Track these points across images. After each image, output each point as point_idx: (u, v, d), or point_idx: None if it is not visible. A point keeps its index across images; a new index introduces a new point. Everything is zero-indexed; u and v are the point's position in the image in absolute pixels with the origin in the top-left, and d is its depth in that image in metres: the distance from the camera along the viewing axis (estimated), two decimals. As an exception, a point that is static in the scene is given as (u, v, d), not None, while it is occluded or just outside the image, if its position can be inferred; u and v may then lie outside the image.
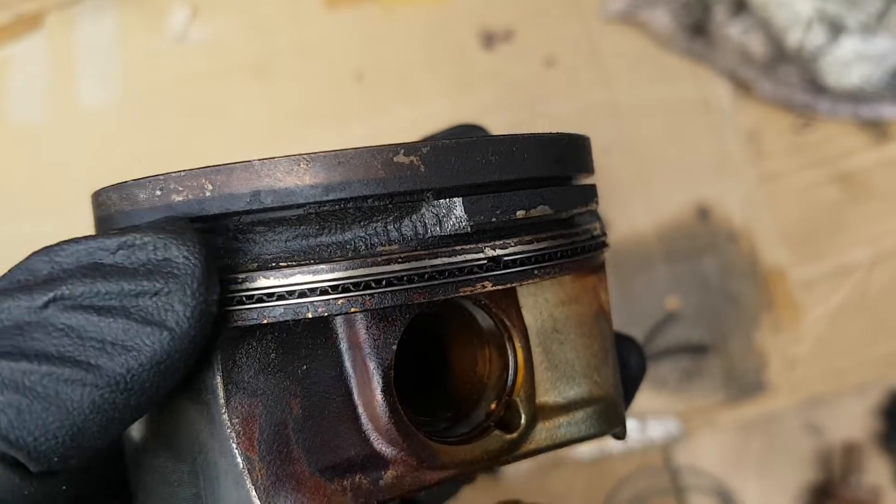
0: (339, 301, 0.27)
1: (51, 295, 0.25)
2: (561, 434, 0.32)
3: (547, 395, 0.32)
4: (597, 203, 0.33)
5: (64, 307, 0.25)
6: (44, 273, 0.25)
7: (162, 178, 0.28)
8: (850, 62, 0.77)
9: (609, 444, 0.73)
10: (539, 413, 0.31)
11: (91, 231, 0.32)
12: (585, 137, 0.33)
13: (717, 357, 0.74)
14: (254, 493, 0.26)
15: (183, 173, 0.27)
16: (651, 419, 0.74)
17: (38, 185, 0.73)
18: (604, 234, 0.33)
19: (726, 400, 0.74)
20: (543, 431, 0.31)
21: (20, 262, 0.26)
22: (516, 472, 0.71)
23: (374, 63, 0.76)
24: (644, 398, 0.74)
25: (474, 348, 0.32)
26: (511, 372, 0.31)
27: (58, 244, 0.26)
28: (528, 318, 0.32)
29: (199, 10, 0.75)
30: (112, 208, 0.30)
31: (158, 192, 0.28)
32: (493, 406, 0.31)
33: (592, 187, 0.33)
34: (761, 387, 0.74)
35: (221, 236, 0.28)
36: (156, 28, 0.75)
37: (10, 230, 0.72)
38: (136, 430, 0.31)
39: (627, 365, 0.37)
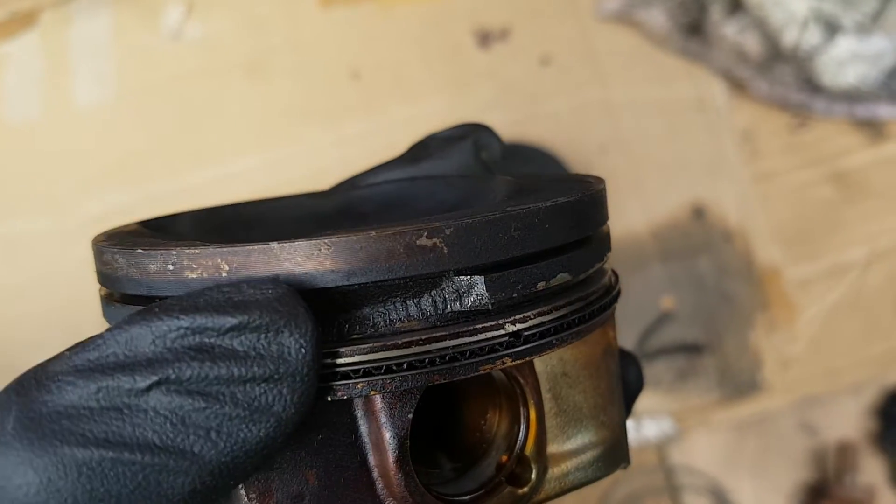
0: (360, 385, 0.26)
1: (155, 378, 0.23)
2: (569, 481, 0.31)
3: (555, 441, 0.31)
4: (610, 251, 0.32)
5: (168, 391, 0.23)
6: (146, 352, 0.24)
7: (174, 253, 0.27)
8: (845, 62, 0.77)
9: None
10: (548, 462, 0.31)
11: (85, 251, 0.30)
12: (603, 188, 0.33)
13: (712, 356, 0.74)
14: None
15: (197, 251, 0.27)
16: (646, 418, 0.74)
17: (33, 182, 0.73)
18: (617, 280, 0.33)
19: (721, 399, 0.74)
20: (553, 481, 0.31)
21: (114, 331, 0.24)
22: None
23: (369, 61, 0.76)
24: (639, 398, 0.74)
25: (484, 400, 0.32)
26: (523, 427, 0.30)
27: (158, 315, 0.24)
28: (538, 364, 0.31)
29: (195, 7, 0.75)
30: (119, 272, 0.29)
31: (171, 268, 0.27)
32: (503, 459, 0.31)
33: (607, 237, 0.32)
34: (756, 386, 0.74)
35: None
36: (151, 26, 0.75)
37: (5, 228, 0.72)
38: None
39: (626, 380, 0.37)
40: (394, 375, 0.26)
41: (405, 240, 0.26)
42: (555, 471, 0.31)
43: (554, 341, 0.29)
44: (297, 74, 0.75)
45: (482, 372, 0.28)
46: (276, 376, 0.24)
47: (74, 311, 0.71)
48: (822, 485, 0.74)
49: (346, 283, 0.26)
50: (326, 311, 0.27)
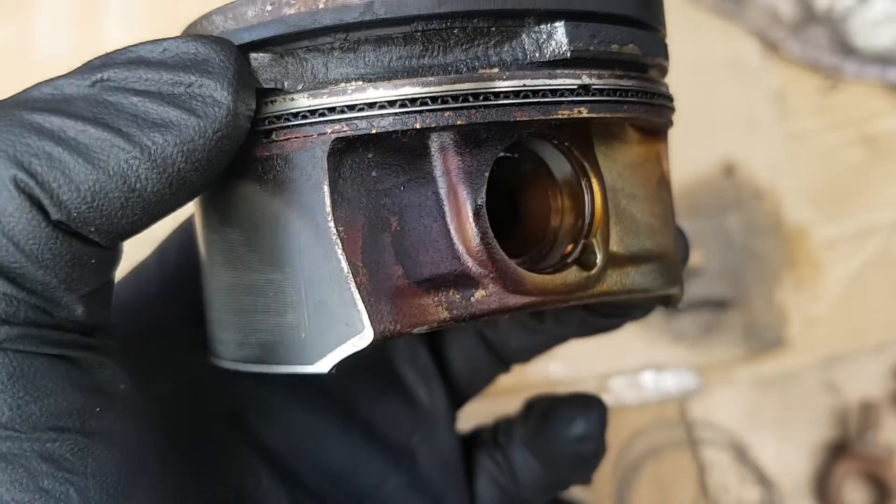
0: (446, 113, 0.27)
1: (98, 76, 0.28)
2: (630, 281, 0.32)
3: (615, 245, 0.32)
4: (668, 62, 0.34)
5: (107, 87, 0.27)
6: (96, 64, 0.28)
7: None
8: (880, 23, 0.77)
9: (624, 395, 0.73)
10: (610, 257, 0.32)
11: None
12: None
13: (738, 312, 0.75)
14: (357, 296, 0.27)
15: None
16: (668, 372, 0.74)
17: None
18: (672, 104, 0.34)
19: (745, 355, 0.74)
20: (615, 275, 0.32)
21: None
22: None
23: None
24: (662, 350, 0.74)
25: (547, 197, 0.33)
26: (587, 215, 0.31)
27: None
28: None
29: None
30: (214, 32, 0.30)
31: (269, 7, 0.28)
32: (569, 248, 0.32)
33: (666, 47, 0.34)
34: (780, 343, 0.75)
35: (324, 54, 0.28)
36: (185, -36, 0.74)
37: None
38: (222, 241, 0.31)
39: None
40: (478, 104, 0.27)
41: None
42: (616, 269, 0.32)
43: (625, 105, 0.30)
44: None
45: (559, 116, 0.28)
46: (199, 83, 0.28)
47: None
48: (843, 442, 0.74)
49: (437, 10, 0.27)
50: (418, 48, 0.28)
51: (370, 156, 0.28)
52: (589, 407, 0.39)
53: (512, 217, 0.33)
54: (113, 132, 0.26)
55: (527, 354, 0.42)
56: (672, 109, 0.34)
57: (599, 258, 0.31)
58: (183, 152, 0.27)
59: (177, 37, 0.29)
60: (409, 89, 0.27)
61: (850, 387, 0.76)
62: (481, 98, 0.28)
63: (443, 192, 0.29)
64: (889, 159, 0.78)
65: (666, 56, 0.33)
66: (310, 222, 0.28)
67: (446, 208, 0.29)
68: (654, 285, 0.33)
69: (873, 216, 0.77)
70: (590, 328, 0.40)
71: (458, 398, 0.43)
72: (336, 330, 0.28)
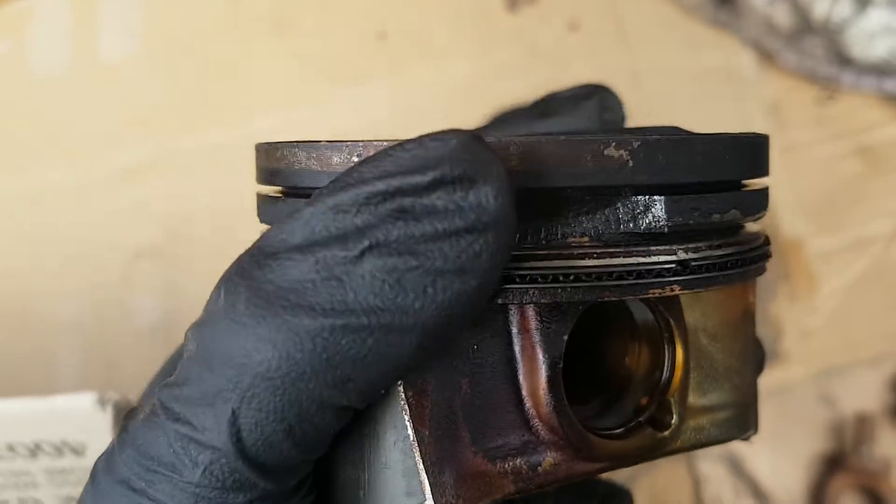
0: (531, 291, 0.27)
1: (367, 244, 0.24)
2: (704, 436, 0.32)
3: (692, 394, 0.31)
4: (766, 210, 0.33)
5: (380, 255, 0.24)
6: (353, 221, 0.24)
7: (361, 144, 0.27)
8: (876, 34, 0.77)
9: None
10: (687, 412, 0.31)
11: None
12: (768, 137, 0.33)
13: (733, 325, 0.74)
14: (422, 466, 0.27)
15: (385, 143, 0.27)
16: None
17: (56, 135, 0.73)
18: (768, 241, 0.33)
19: (740, 368, 0.74)
20: (689, 431, 0.31)
21: (316, 207, 0.25)
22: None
23: (396, 21, 0.76)
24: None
25: (625, 341, 0.32)
26: (667, 370, 0.30)
27: (355, 185, 0.25)
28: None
29: (224, -38, 0.74)
30: (296, 166, 0.29)
31: (356, 158, 0.27)
32: (643, 402, 0.31)
33: (767, 191, 0.33)
34: (776, 356, 0.74)
35: None
36: (179, -21, 0.74)
37: (28, 180, 0.72)
38: None
39: None
40: (566, 285, 0.26)
41: (593, 147, 0.26)
42: (691, 423, 0.31)
43: (721, 278, 0.29)
44: (323, 32, 0.75)
45: (650, 295, 0.27)
46: (478, 226, 0.24)
47: (94, 262, 0.71)
48: (838, 455, 0.74)
49: (528, 185, 0.26)
50: None
51: None
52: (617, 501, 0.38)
53: (583, 357, 0.32)
54: (408, 316, 0.24)
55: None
56: (767, 259, 0.33)
57: (675, 419, 0.30)
58: (463, 318, 0.25)
59: (420, 152, 0.25)
60: None
61: (845, 400, 0.75)
62: (572, 278, 0.27)
63: (517, 351, 0.28)
64: (885, 171, 0.78)
65: (766, 206, 0.32)
66: None
67: (520, 369, 0.28)
68: (729, 434, 0.32)
69: (869, 228, 0.77)
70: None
71: None
72: (396, 498, 0.27)
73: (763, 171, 0.32)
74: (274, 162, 0.31)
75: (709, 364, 0.32)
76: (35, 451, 0.49)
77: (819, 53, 0.79)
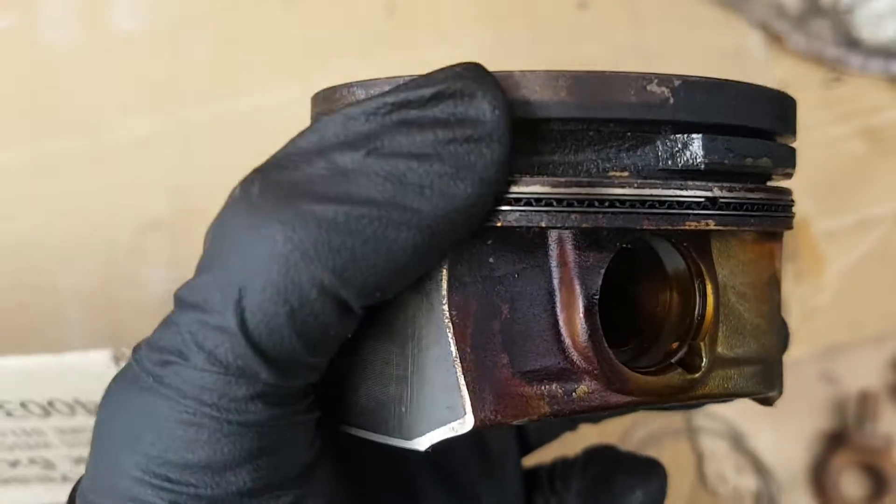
0: (573, 215, 0.28)
1: (372, 146, 0.26)
2: (731, 385, 0.32)
3: (721, 346, 0.32)
4: (794, 169, 0.34)
5: (384, 156, 0.26)
6: (362, 129, 0.27)
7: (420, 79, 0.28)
8: (885, 16, 0.77)
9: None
10: (715, 359, 0.32)
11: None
12: (795, 100, 0.34)
13: (738, 303, 0.75)
14: (463, 381, 0.28)
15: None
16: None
17: (67, 105, 0.73)
18: (793, 200, 0.34)
19: (744, 345, 0.75)
20: (717, 379, 0.32)
21: (331, 118, 0.27)
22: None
23: (407, -4, 0.76)
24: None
25: (656, 289, 0.33)
26: (697, 316, 0.31)
27: (366, 98, 0.27)
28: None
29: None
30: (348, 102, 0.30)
31: None
32: (673, 346, 0.32)
33: (795, 151, 0.33)
34: (780, 334, 0.75)
35: None
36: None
37: (39, 150, 0.72)
38: None
39: None
40: (606, 210, 0.28)
41: (637, 83, 0.28)
42: (720, 371, 0.32)
43: (752, 220, 0.30)
44: (332, 6, 0.75)
45: (686, 227, 0.29)
46: (475, 136, 0.26)
47: (106, 232, 0.71)
48: (840, 432, 0.75)
49: (576, 114, 0.27)
50: (550, 145, 0.28)
51: (490, 242, 0.29)
52: (650, 477, 0.39)
53: (617, 303, 0.33)
54: (407, 211, 0.26)
55: (596, 418, 0.43)
56: (793, 215, 0.34)
57: (705, 362, 0.31)
58: (467, 216, 0.26)
59: (428, 76, 0.27)
60: (537, 188, 0.28)
61: (848, 378, 0.76)
62: (608, 204, 0.28)
63: (556, 282, 0.29)
64: (891, 152, 0.78)
65: (794, 164, 0.33)
66: (425, 302, 0.28)
67: (558, 300, 0.29)
68: (756, 389, 0.33)
69: (875, 209, 0.77)
70: None
71: (526, 447, 0.43)
72: (437, 412, 0.28)
73: (791, 130, 0.33)
74: (333, 103, 0.31)
75: (737, 320, 0.32)
76: (48, 409, 0.49)
77: (827, 35, 0.79)
